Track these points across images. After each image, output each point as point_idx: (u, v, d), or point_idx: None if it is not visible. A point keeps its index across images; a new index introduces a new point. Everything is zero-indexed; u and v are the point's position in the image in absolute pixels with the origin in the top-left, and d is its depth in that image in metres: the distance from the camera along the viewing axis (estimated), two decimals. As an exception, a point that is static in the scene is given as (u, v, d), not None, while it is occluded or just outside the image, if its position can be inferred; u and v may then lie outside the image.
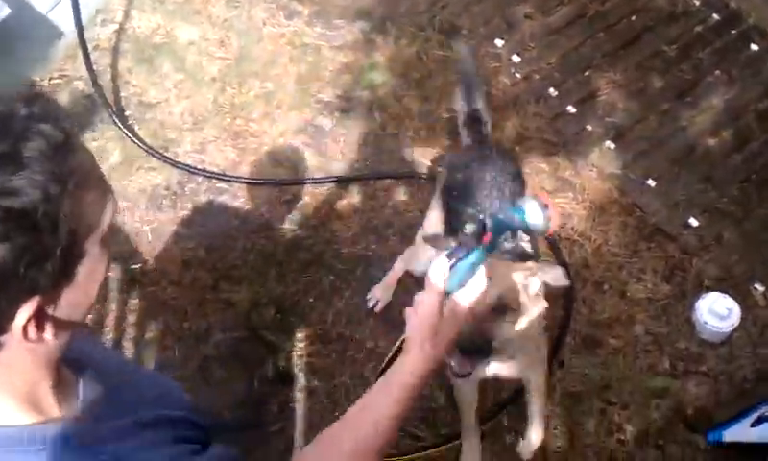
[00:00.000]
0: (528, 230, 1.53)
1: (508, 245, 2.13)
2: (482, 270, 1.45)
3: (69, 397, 1.25)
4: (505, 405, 3.04)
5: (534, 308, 2.20)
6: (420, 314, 1.42)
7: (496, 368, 2.49)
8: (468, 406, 2.83)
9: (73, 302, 1.14)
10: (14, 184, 1.00)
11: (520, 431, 2.93)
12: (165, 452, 1.26)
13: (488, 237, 1.46)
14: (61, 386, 1.23)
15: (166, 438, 1.30)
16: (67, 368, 1.27)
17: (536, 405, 2.80)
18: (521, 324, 2.18)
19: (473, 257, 1.44)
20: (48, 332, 1.11)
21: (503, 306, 2.10)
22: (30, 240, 1.01)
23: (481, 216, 1.48)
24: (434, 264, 1.43)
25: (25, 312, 1.05)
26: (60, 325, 1.12)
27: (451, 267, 1.42)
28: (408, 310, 1.46)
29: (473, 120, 3.13)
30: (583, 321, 3.24)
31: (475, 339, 2.01)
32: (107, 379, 1.33)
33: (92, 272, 1.15)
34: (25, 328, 1.07)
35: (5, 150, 1.01)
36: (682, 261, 3.40)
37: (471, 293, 1.45)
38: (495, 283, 1.98)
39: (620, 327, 3.22)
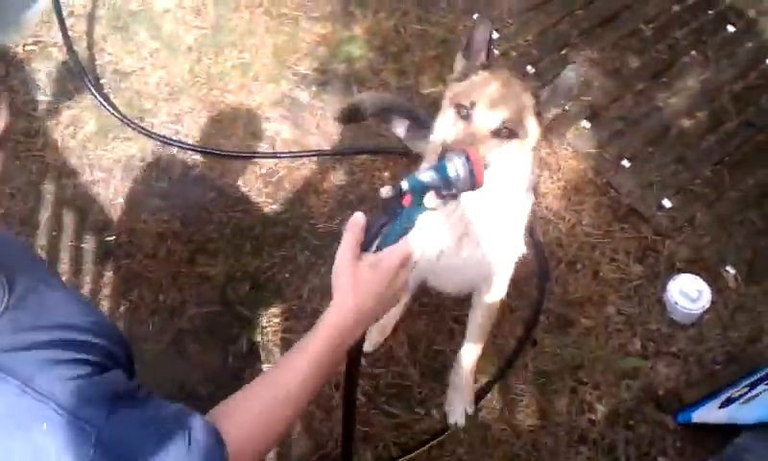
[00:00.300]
0: (452, 185, 1.48)
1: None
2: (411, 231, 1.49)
3: None
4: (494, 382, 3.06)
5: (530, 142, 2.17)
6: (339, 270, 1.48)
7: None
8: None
9: None
10: None
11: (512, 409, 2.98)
12: (52, 373, 1.23)
13: (408, 199, 1.47)
14: None
15: (59, 359, 1.26)
16: None
17: (469, 354, 2.86)
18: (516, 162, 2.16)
19: (399, 221, 1.47)
20: None
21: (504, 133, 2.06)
22: None
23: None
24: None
25: None
26: None
27: (378, 232, 1.47)
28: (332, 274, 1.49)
29: None
30: (556, 300, 3.25)
31: None
32: (17, 287, 1.32)
33: None
34: None
35: None
36: (654, 242, 3.42)
37: (397, 251, 1.48)
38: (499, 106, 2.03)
39: (592, 307, 3.24)
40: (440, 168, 1.49)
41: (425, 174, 1.49)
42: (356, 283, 1.47)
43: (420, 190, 1.48)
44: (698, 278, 3.21)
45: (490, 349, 3.06)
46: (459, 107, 2.10)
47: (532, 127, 2.15)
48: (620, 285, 3.30)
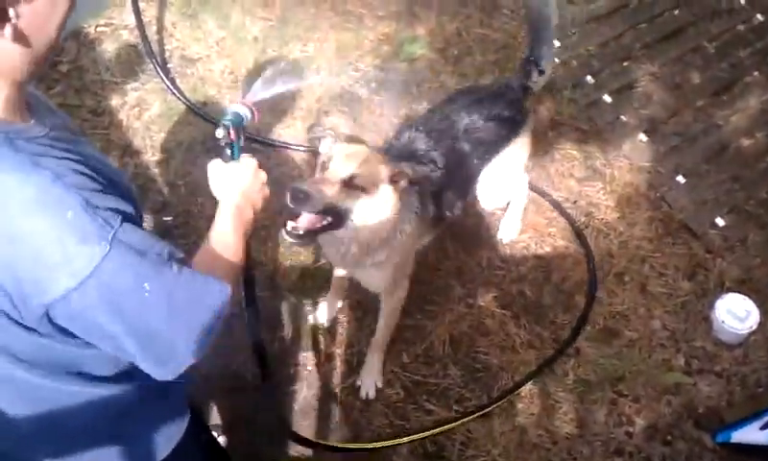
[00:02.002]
0: (242, 122, 1.92)
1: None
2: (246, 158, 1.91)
3: (18, 118, 1.37)
4: (514, 389, 3.01)
5: (385, 200, 2.39)
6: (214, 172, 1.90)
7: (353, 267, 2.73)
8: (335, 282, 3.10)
9: (32, 19, 1.29)
10: None
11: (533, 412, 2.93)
12: (80, 179, 1.34)
13: (233, 134, 1.88)
14: (14, 107, 1.36)
15: (86, 173, 1.37)
16: (27, 109, 1.41)
17: (377, 337, 2.96)
18: (373, 213, 2.39)
19: (236, 147, 1.90)
20: (8, 30, 1.26)
21: (356, 186, 2.32)
22: None
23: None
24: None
25: None
26: (17, 35, 1.28)
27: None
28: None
29: (531, 63, 3.05)
30: (602, 310, 3.19)
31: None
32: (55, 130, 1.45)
33: (49, 3, 1.31)
34: None
35: None
36: (705, 260, 3.35)
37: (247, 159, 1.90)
38: (350, 162, 2.32)
39: (638, 320, 3.17)
40: (232, 111, 1.92)
41: (229, 116, 1.90)
42: (230, 173, 1.86)
43: (235, 125, 1.89)
44: (747, 298, 3.13)
45: (524, 349, 3.07)
46: (323, 163, 2.41)
47: (384, 190, 2.39)
48: (667, 300, 3.23)
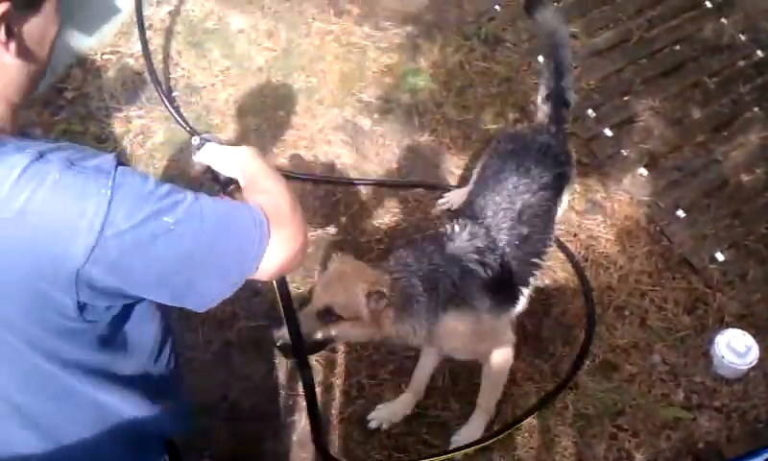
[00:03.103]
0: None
1: None
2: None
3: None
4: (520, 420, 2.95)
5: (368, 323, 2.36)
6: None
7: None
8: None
9: (32, 37, 1.33)
10: None
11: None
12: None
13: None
14: (9, 124, 1.36)
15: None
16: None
17: (479, 399, 2.86)
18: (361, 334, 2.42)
19: None
20: (12, 47, 1.29)
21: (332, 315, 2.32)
22: None
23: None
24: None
25: None
26: (21, 51, 1.31)
27: None
28: None
29: (559, 99, 2.97)
30: (602, 344, 3.14)
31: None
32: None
33: (49, 21, 1.35)
34: None
35: None
36: (705, 295, 3.30)
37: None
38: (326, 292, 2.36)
39: (638, 353, 3.12)
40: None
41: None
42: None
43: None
44: (746, 334, 3.08)
45: (524, 382, 3.03)
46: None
47: (364, 312, 2.33)
48: (667, 335, 3.18)
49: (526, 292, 2.79)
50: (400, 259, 2.54)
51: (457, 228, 2.66)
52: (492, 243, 2.63)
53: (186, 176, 3.49)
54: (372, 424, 2.91)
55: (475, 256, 2.59)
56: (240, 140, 3.67)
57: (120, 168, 1.29)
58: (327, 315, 2.32)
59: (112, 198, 1.25)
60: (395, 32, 4.13)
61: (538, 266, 2.82)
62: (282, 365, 3.03)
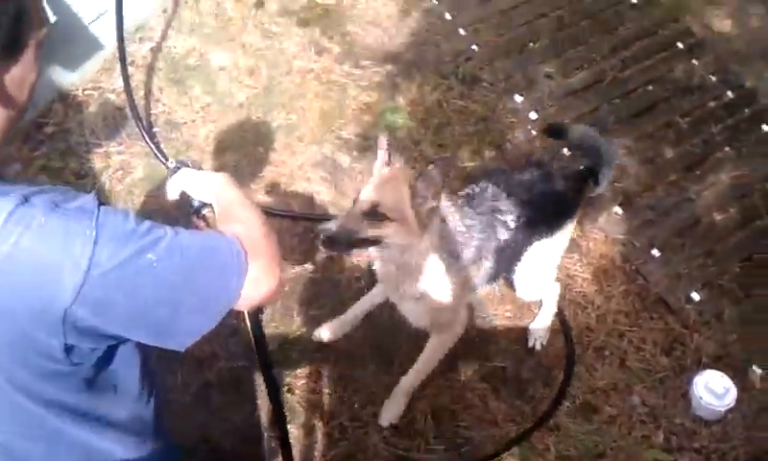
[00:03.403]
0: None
1: None
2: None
3: None
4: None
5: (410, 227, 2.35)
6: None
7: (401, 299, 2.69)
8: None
9: (12, 84, 1.32)
10: None
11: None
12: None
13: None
14: None
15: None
16: None
17: (408, 375, 2.91)
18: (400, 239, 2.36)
19: None
20: None
21: (378, 215, 2.31)
22: None
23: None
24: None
25: None
26: (1, 98, 1.31)
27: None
28: None
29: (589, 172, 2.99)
30: (581, 385, 3.11)
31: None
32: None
33: (28, 69, 1.35)
34: None
35: None
36: (682, 335, 3.28)
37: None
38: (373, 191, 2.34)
39: (617, 395, 3.10)
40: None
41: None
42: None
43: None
44: (724, 375, 3.06)
45: (505, 423, 2.98)
46: (354, 199, 2.39)
47: (410, 214, 2.34)
48: (646, 376, 3.16)
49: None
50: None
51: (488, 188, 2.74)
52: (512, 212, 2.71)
53: (165, 211, 3.44)
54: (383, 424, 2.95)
55: (500, 217, 2.68)
56: (220, 177, 3.62)
57: (102, 208, 1.30)
58: (373, 214, 2.31)
59: (97, 238, 1.26)
60: (374, 70, 4.10)
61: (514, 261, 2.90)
62: (264, 406, 2.95)
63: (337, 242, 2.31)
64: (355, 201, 2.37)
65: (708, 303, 3.39)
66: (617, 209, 3.71)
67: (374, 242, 2.36)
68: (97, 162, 3.61)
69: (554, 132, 3.35)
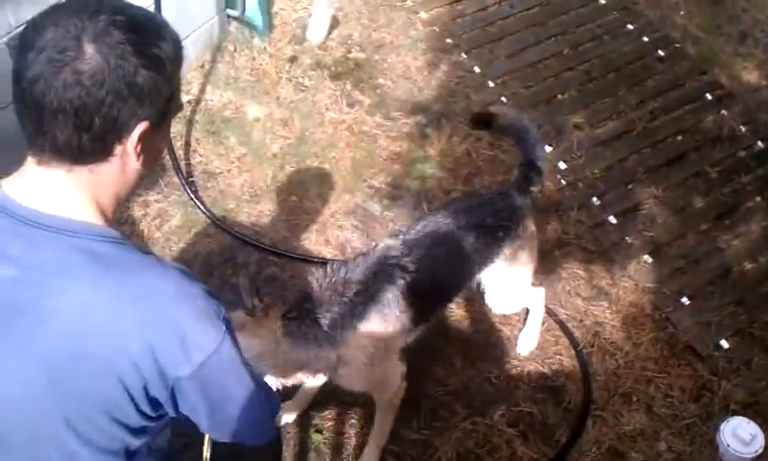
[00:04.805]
0: None
1: None
2: None
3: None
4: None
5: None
6: None
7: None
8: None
9: (152, 148, 1.51)
10: (162, 44, 1.43)
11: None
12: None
13: None
14: (111, 216, 1.54)
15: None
16: None
17: (375, 429, 2.92)
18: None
19: None
20: (140, 158, 1.48)
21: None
22: (160, 79, 1.43)
23: None
24: None
25: (139, 129, 1.43)
26: (146, 160, 1.50)
27: None
28: None
29: (526, 170, 2.99)
30: (608, 431, 3.11)
31: None
32: None
33: (165, 136, 1.65)
34: (137, 142, 1.44)
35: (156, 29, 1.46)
36: (710, 382, 3.28)
37: None
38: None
39: (644, 441, 3.09)
40: None
41: None
42: None
43: None
44: (751, 422, 3.04)
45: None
46: None
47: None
48: (673, 422, 3.15)
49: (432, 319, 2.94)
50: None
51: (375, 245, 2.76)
52: (409, 254, 2.67)
53: (201, 258, 3.55)
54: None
55: (393, 260, 2.63)
56: (255, 224, 3.72)
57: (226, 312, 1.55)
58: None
59: (225, 333, 1.50)
60: (404, 121, 4.21)
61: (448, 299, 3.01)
62: (287, 448, 3.00)
63: None
64: None
65: (738, 351, 3.39)
66: (647, 258, 3.74)
67: None
68: (136, 211, 3.73)
69: (481, 122, 3.32)
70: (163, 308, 1.44)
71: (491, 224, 2.87)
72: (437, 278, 2.76)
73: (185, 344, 1.44)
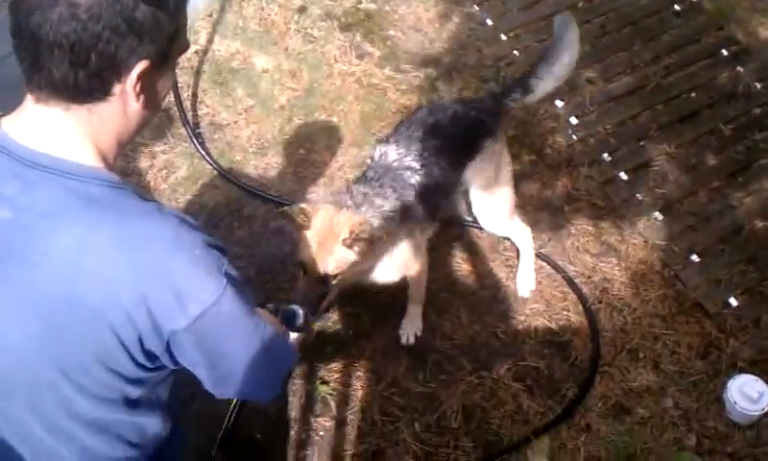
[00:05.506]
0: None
1: None
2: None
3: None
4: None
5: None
6: None
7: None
8: None
9: (156, 90, 1.50)
10: None
11: None
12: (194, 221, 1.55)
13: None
14: (113, 161, 1.53)
15: None
16: None
17: (413, 295, 3.17)
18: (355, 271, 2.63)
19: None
20: (142, 99, 1.45)
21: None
22: (162, 15, 1.40)
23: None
24: None
25: (138, 68, 1.40)
26: (147, 103, 1.48)
27: None
28: None
29: (519, 82, 3.22)
30: (614, 387, 3.11)
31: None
32: None
33: (168, 77, 1.54)
34: (135, 81, 1.41)
35: None
36: (718, 339, 3.27)
37: None
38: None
39: (650, 397, 3.09)
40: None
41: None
42: None
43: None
44: (759, 379, 3.04)
45: (538, 422, 2.99)
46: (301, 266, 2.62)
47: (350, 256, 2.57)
48: (680, 379, 3.15)
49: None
50: (358, 193, 2.74)
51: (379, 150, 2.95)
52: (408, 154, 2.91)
53: (208, 210, 3.55)
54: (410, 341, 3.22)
55: (404, 164, 2.87)
56: (262, 176, 3.71)
57: (228, 263, 1.51)
58: (327, 280, 2.54)
59: (225, 284, 1.45)
60: (414, 74, 4.17)
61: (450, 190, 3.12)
62: (295, 398, 3.02)
63: (314, 311, 2.49)
64: (303, 268, 2.57)
65: (747, 309, 3.37)
66: (657, 215, 3.71)
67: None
68: (142, 162, 3.73)
69: None
70: (158, 258, 1.40)
71: (472, 120, 3.08)
72: (439, 170, 2.95)
73: (180, 296, 1.41)
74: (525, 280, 3.42)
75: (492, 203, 3.24)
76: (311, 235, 2.52)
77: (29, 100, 1.44)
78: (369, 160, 2.97)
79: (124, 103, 1.44)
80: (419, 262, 2.99)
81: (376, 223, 2.63)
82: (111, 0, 1.33)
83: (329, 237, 2.50)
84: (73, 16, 1.31)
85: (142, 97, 1.45)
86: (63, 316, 1.39)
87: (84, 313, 1.38)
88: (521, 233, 3.39)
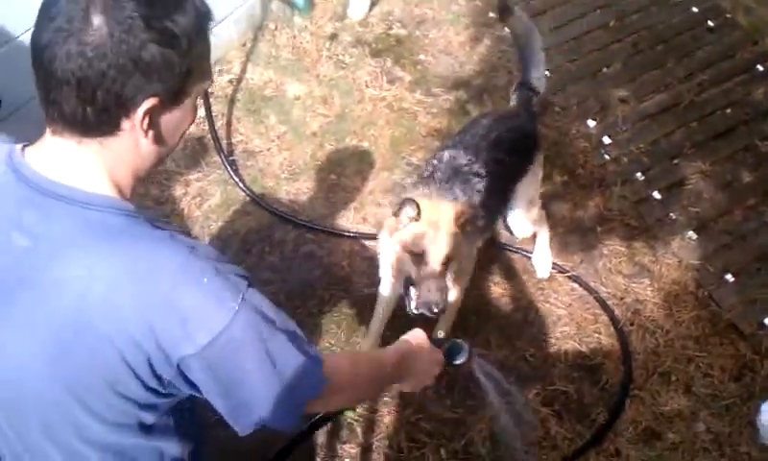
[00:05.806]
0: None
1: None
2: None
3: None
4: None
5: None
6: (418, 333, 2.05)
7: None
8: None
9: (168, 127, 1.50)
10: (178, 18, 1.41)
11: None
12: (209, 249, 1.55)
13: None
14: (131, 196, 1.54)
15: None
16: None
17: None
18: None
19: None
20: (150, 134, 1.47)
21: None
22: (173, 55, 1.41)
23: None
24: None
25: (147, 104, 1.42)
26: (158, 138, 1.49)
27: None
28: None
29: (525, 88, 3.26)
30: (645, 410, 3.07)
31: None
32: None
33: (187, 113, 1.54)
34: (142, 118, 1.43)
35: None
36: (752, 361, 3.21)
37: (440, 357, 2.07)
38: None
39: (682, 421, 3.05)
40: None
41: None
42: (424, 342, 2.03)
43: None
44: (794, 404, 2.98)
45: (566, 448, 2.95)
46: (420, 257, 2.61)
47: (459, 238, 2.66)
48: (712, 402, 3.10)
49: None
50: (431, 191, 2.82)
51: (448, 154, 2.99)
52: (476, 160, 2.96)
53: (240, 236, 3.59)
54: None
55: (465, 168, 2.92)
56: (293, 201, 3.75)
57: (249, 290, 1.48)
58: (446, 263, 2.60)
59: (238, 312, 1.43)
60: (445, 98, 4.19)
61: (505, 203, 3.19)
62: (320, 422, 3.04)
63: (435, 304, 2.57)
64: (423, 261, 2.59)
65: (783, 331, 3.31)
66: (691, 234, 3.67)
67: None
68: (176, 189, 3.79)
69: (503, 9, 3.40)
70: (165, 286, 1.41)
71: (528, 129, 3.21)
72: (500, 180, 3.03)
73: (186, 324, 1.41)
74: (543, 261, 3.51)
75: (531, 212, 3.32)
76: (423, 224, 2.59)
77: (48, 131, 1.48)
78: (434, 162, 3.00)
79: (135, 138, 1.47)
80: (468, 275, 3.06)
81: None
82: (119, 39, 1.36)
83: (441, 221, 2.58)
84: (80, 54, 1.35)
85: (151, 133, 1.47)
86: (73, 342, 1.41)
87: (92, 339, 1.40)
88: (539, 218, 3.45)
